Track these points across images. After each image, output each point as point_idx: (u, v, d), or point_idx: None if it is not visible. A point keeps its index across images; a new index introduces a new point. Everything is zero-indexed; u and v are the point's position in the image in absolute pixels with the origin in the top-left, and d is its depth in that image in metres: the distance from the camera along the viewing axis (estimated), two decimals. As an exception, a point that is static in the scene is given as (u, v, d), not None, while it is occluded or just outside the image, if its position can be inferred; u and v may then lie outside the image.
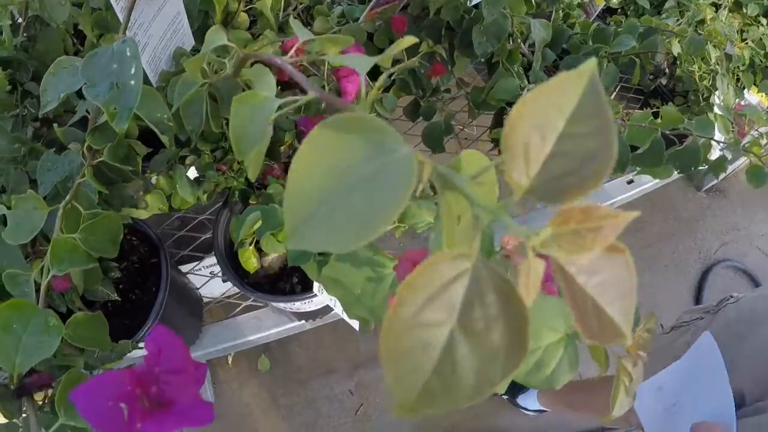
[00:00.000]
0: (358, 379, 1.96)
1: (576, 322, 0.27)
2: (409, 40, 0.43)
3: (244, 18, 1.19)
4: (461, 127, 1.90)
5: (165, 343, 0.49)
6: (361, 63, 0.38)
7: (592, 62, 0.26)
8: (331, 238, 0.26)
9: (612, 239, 0.25)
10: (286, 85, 1.19)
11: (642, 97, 1.79)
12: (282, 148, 1.05)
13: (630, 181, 1.91)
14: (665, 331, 1.32)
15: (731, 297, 1.21)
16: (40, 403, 0.74)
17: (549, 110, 0.26)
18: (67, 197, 0.78)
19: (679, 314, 1.33)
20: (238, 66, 0.66)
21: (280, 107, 0.50)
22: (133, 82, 0.64)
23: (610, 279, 0.27)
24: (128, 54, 0.65)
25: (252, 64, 0.71)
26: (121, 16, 0.77)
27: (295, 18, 1.33)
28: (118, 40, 0.67)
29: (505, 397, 2.00)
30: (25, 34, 1.03)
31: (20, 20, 1.02)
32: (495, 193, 0.37)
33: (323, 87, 1.00)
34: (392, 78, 1.10)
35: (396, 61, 1.16)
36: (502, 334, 0.26)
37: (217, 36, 0.64)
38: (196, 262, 1.52)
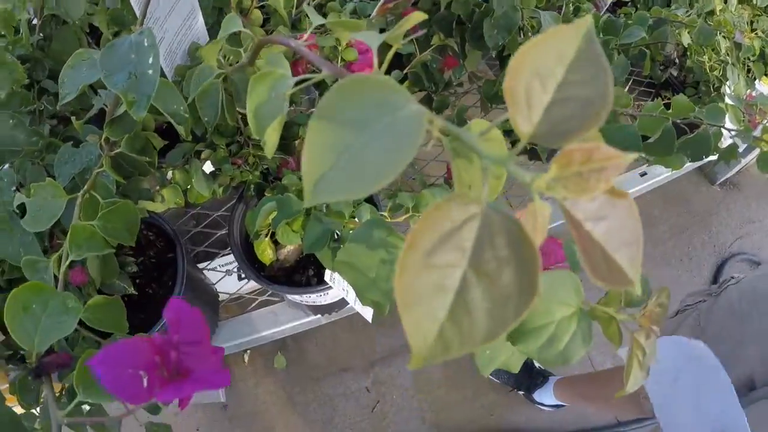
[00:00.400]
0: (375, 376, 1.97)
1: (584, 265, 0.28)
2: (418, 15, 0.45)
3: (257, 15, 1.20)
4: (482, 115, 1.91)
5: (184, 314, 0.51)
6: (372, 39, 0.39)
7: (587, 18, 0.27)
8: (350, 185, 0.27)
9: (614, 179, 0.26)
10: (300, 82, 1.21)
11: (653, 90, 1.79)
12: (297, 142, 1.06)
13: (643, 174, 1.91)
14: (670, 315, 1.32)
15: (732, 278, 1.21)
16: (58, 394, 0.75)
17: (549, 59, 0.27)
18: (86, 186, 0.79)
19: (683, 297, 1.33)
20: (254, 52, 0.67)
21: (297, 84, 0.51)
22: (151, 72, 0.66)
23: (616, 225, 0.28)
24: (146, 44, 0.66)
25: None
26: (138, 11, 0.78)
27: (307, 15, 1.34)
28: (135, 31, 0.68)
29: (521, 393, 2.00)
30: (41, 34, 1.04)
31: (36, 20, 1.04)
32: (503, 149, 0.37)
33: (335, 81, 1.01)
34: (405, 73, 1.11)
35: (409, 56, 1.17)
36: (513, 275, 0.27)
37: (233, 22, 0.66)
38: (211, 260, 1.54)
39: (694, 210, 2.48)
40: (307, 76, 0.50)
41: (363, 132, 0.28)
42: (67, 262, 0.73)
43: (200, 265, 1.53)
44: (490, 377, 2.01)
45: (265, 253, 1.01)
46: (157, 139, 0.88)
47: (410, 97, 0.29)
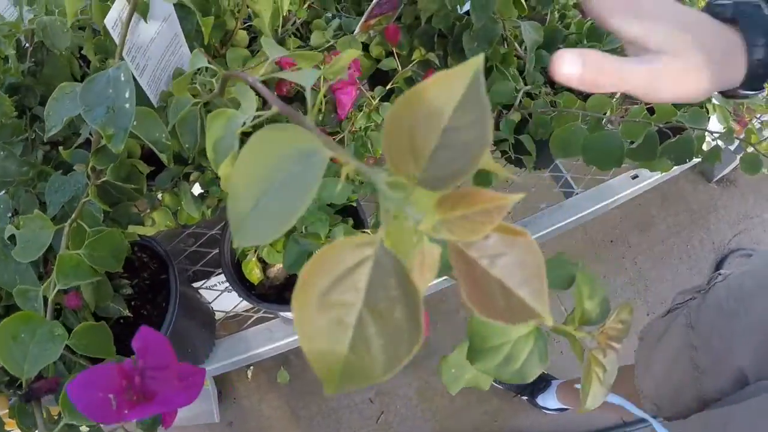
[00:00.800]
0: (378, 387, 1.97)
1: (472, 304, 0.29)
2: (352, 53, 0.46)
3: (242, 35, 1.22)
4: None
5: (150, 342, 0.53)
6: (306, 77, 0.40)
7: (478, 58, 0.28)
8: (265, 231, 0.29)
9: (499, 221, 0.27)
10: (286, 99, 1.22)
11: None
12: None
13: (635, 176, 1.92)
14: (662, 315, 1.33)
15: (719, 275, 1.22)
16: (56, 417, 0.77)
17: (435, 103, 0.28)
18: (73, 216, 0.81)
19: (673, 296, 1.34)
20: (221, 86, 0.69)
21: (246, 122, 0.53)
22: (127, 106, 0.68)
23: (516, 261, 0.29)
24: (122, 79, 0.68)
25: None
26: (116, 41, 0.80)
27: (293, 33, 1.36)
28: (113, 66, 0.70)
29: (525, 398, 2.01)
30: (32, 60, 1.06)
31: (27, 45, 1.05)
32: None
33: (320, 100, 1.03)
34: (387, 88, 1.12)
35: (393, 71, 1.18)
36: (403, 314, 0.28)
37: (198, 59, 0.68)
38: (207, 278, 1.55)
39: (691, 208, 2.48)
40: (260, 113, 0.52)
41: (277, 178, 0.30)
42: (55, 291, 0.75)
43: (197, 284, 1.55)
44: (493, 383, 2.01)
45: (253, 272, 1.03)
46: (143, 165, 0.90)
47: (319, 143, 0.31)
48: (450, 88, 0.28)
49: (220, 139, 0.54)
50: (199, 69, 0.77)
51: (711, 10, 0.66)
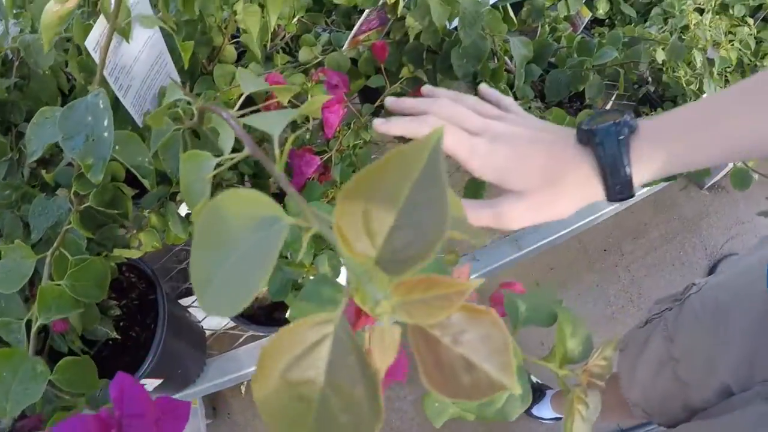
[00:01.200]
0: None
1: (430, 383, 0.28)
2: (322, 99, 0.45)
3: (230, 51, 1.20)
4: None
5: (127, 390, 0.52)
6: (274, 123, 0.38)
7: (438, 131, 0.27)
8: (227, 303, 0.28)
9: (458, 305, 0.27)
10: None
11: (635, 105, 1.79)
12: (270, 179, 1.07)
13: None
14: (640, 324, 1.35)
15: (693, 285, 1.23)
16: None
17: (392, 182, 0.27)
18: (54, 244, 0.80)
19: (650, 306, 1.35)
20: (199, 117, 0.68)
21: (219, 164, 0.52)
22: (106, 134, 0.67)
23: (480, 337, 0.28)
24: (101, 106, 0.67)
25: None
26: (96, 61, 0.79)
27: (282, 48, 1.35)
28: (93, 91, 0.69)
29: (520, 409, 2.00)
30: (19, 74, 1.05)
31: (14, 59, 1.04)
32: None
33: (306, 118, 1.02)
34: (375, 106, 1.11)
35: (382, 88, 1.17)
36: (363, 393, 0.28)
37: (173, 92, 0.67)
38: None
39: (684, 215, 2.49)
40: (230, 156, 0.51)
41: (237, 248, 0.29)
42: (36, 326, 0.74)
43: (187, 301, 1.53)
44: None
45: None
46: (127, 188, 0.89)
47: (279, 210, 0.30)
48: (407, 166, 0.27)
49: (193, 182, 0.53)
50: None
51: (576, 134, 0.72)
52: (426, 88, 0.85)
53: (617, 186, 0.69)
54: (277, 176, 0.37)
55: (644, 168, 0.69)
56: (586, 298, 2.26)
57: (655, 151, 0.69)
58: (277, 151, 0.38)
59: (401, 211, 0.28)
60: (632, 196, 0.70)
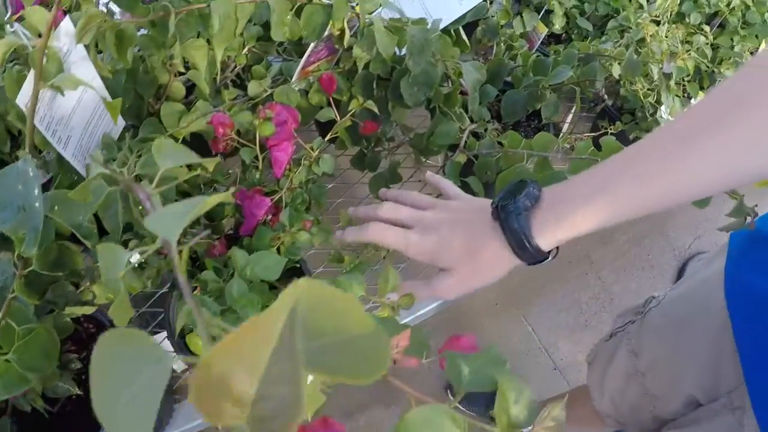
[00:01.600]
0: (351, 425, 1.96)
1: None
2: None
3: (178, 87, 1.17)
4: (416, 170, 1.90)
5: None
6: (171, 225, 0.35)
7: (290, 299, 0.26)
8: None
9: None
10: (223, 155, 1.18)
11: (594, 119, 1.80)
12: (224, 221, 1.04)
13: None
14: (606, 338, 1.37)
15: (653, 298, 1.26)
16: None
17: (252, 350, 0.26)
18: (0, 314, 0.77)
19: (614, 318, 1.37)
20: (127, 189, 0.65)
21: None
22: (37, 204, 0.64)
23: None
24: (31, 174, 0.64)
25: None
26: (25, 113, 0.76)
27: (233, 81, 1.32)
28: (21, 158, 0.66)
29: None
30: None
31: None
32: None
33: (255, 157, 0.99)
34: (327, 139, 1.08)
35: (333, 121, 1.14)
36: None
37: (96, 168, 0.64)
38: (161, 338, 1.50)
39: (650, 217, 2.49)
40: (147, 248, 0.49)
41: (127, 387, 0.29)
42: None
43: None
44: (462, 408, 2.00)
45: (197, 345, 0.99)
46: (72, 246, 0.86)
47: (160, 352, 0.30)
48: (263, 335, 0.26)
49: (110, 276, 0.51)
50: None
51: (493, 209, 0.80)
52: (380, 193, 1.01)
53: (527, 254, 0.76)
54: (182, 284, 0.35)
55: (550, 235, 0.75)
56: (560, 307, 2.26)
57: (559, 219, 0.75)
58: (176, 257, 0.35)
59: (262, 382, 0.26)
60: (549, 257, 0.79)
